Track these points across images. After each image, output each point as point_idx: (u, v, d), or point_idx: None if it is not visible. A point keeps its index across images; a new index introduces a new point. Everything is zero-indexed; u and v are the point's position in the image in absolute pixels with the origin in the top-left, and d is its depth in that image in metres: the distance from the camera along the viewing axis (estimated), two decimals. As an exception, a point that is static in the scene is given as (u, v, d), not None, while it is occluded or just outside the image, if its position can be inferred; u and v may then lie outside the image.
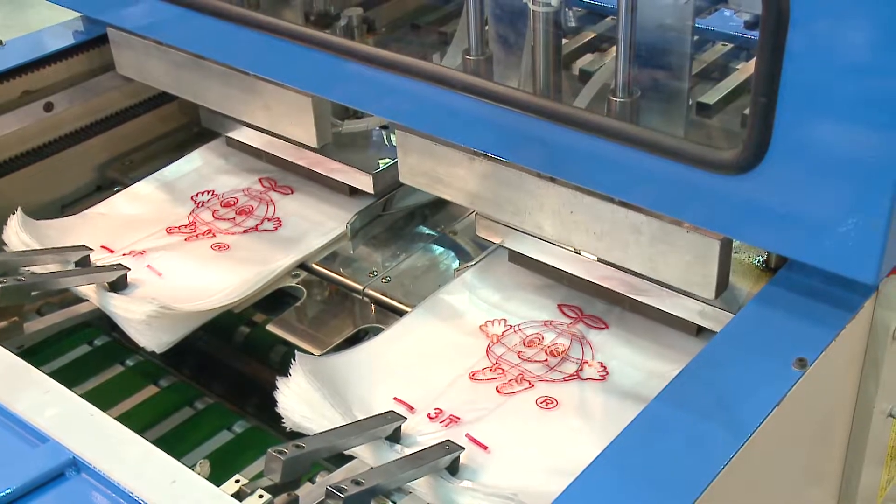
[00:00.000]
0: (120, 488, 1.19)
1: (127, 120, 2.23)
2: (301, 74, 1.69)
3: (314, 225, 1.94)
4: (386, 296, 1.79)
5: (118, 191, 2.10)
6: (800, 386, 1.23)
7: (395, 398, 1.52)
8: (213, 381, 1.94)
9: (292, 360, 1.50)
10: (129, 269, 1.76)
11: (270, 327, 1.81)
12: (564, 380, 1.55)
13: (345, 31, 1.81)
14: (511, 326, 1.66)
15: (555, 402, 1.50)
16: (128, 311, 1.66)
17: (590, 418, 1.48)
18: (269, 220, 1.97)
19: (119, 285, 1.73)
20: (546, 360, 1.58)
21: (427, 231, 1.96)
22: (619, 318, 1.65)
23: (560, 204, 1.54)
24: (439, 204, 1.97)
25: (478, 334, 1.65)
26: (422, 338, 1.64)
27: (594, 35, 1.85)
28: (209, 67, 1.93)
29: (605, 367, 1.57)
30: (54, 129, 2.12)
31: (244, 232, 1.94)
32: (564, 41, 1.58)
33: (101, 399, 1.73)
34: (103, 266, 1.78)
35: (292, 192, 2.05)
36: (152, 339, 1.66)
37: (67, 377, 1.83)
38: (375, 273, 1.84)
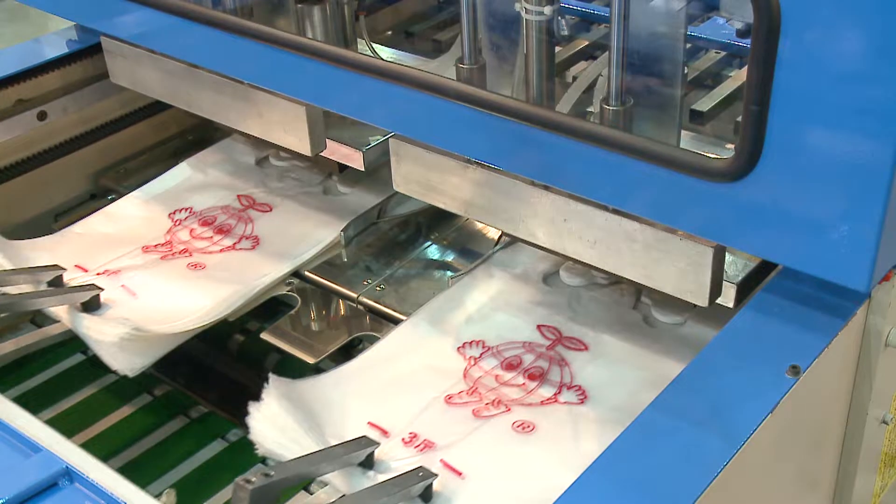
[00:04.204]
0: (114, 498, 1.19)
1: (121, 129, 2.23)
2: (294, 83, 1.69)
3: (293, 244, 1.91)
4: (380, 304, 1.79)
5: (112, 199, 2.09)
6: (793, 393, 1.23)
7: (369, 422, 1.48)
8: (207, 390, 1.94)
9: (265, 385, 1.46)
10: (103, 290, 1.71)
11: (264, 335, 1.81)
12: (542, 403, 1.51)
13: (335, 7, 1.78)
14: (489, 348, 1.62)
15: (531, 427, 1.47)
16: (100, 333, 1.62)
17: (567, 442, 1.44)
18: (247, 238, 1.93)
19: (92, 306, 1.69)
20: (524, 383, 1.55)
21: (421, 239, 1.96)
22: (597, 339, 1.63)
23: (554, 212, 1.54)
24: (433, 212, 1.98)
25: (455, 357, 1.61)
26: (398, 361, 1.60)
27: (587, 43, 1.86)
28: (202, 76, 1.93)
29: (583, 391, 1.53)
30: (48, 137, 2.12)
31: (221, 251, 1.90)
32: (557, 49, 1.58)
33: (95, 408, 1.74)
34: (75, 286, 1.73)
35: (271, 210, 2.02)
36: (124, 362, 1.62)
37: (62, 385, 1.84)
38: (370, 281, 1.84)
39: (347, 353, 1.76)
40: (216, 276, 1.82)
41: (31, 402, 1.93)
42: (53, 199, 2.15)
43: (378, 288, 1.82)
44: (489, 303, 1.71)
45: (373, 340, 1.70)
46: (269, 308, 1.87)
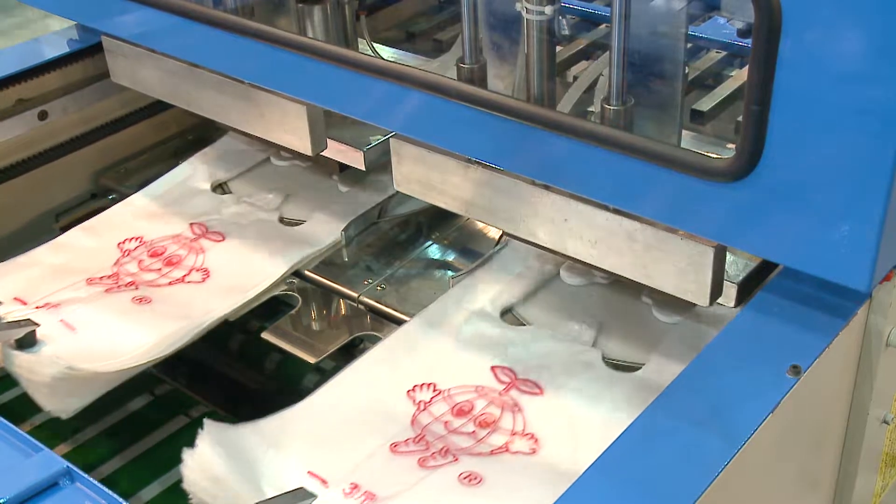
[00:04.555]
0: (114, 497, 1.19)
1: (122, 128, 2.23)
2: (295, 83, 1.69)
3: (243, 276, 1.82)
4: (381, 303, 1.79)
5: (113, 199, 2.09)
6: (794, 393, 1.23)
7: (309, 471, 1.38)
8: (207, 390, 1.94)
9: (199, 430, 1.38)
10: (39, 325, 1.62)
11: (265, 335, 1.81)
12: (492, 453, 1.43)
13: (336, 7, 1.77)
14: (440, 392, 1.53)
15: (479, 479, 1.38)
16: (31, 373, 1.53)
17: (514, 495, 1.36)
18: (197, 270, 1.84)
19: (26, 342, 1.57)
20: (474, 431, 1.46)
21: (421, 239, 1.96)
22: (553, 382, 1.55)
23: (554, 211, 1.54)
24: (434, 211, 1.98)
25: (404, 401, 1.52)
26: (344, 405, 1.51)
27: (588, 43, 1.86)
28: (203, 75, 1.93)
29: (535, 439, 1.45)
30: (49, 137, 2.12)
31: (170, 283, 1.80)
32: (558, 49, 1.58)
33: (95, 407, 1.73)
34: (10, 322, 1.63)
35: (223, 239, 1.92)
36: (59, 404, 1.54)
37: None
38: (370, 281, 1.84)
39: (348, 352, 1.76)
40: (161, 311, 1.72)
41: (32, 402, 1.93)
42: (54, 199, 2.15)
43: (379, 288, 1.82)
44: (444, 342, 1.63)
45: (373, 340, 1.70)
46: (269, 308, 1.86)
